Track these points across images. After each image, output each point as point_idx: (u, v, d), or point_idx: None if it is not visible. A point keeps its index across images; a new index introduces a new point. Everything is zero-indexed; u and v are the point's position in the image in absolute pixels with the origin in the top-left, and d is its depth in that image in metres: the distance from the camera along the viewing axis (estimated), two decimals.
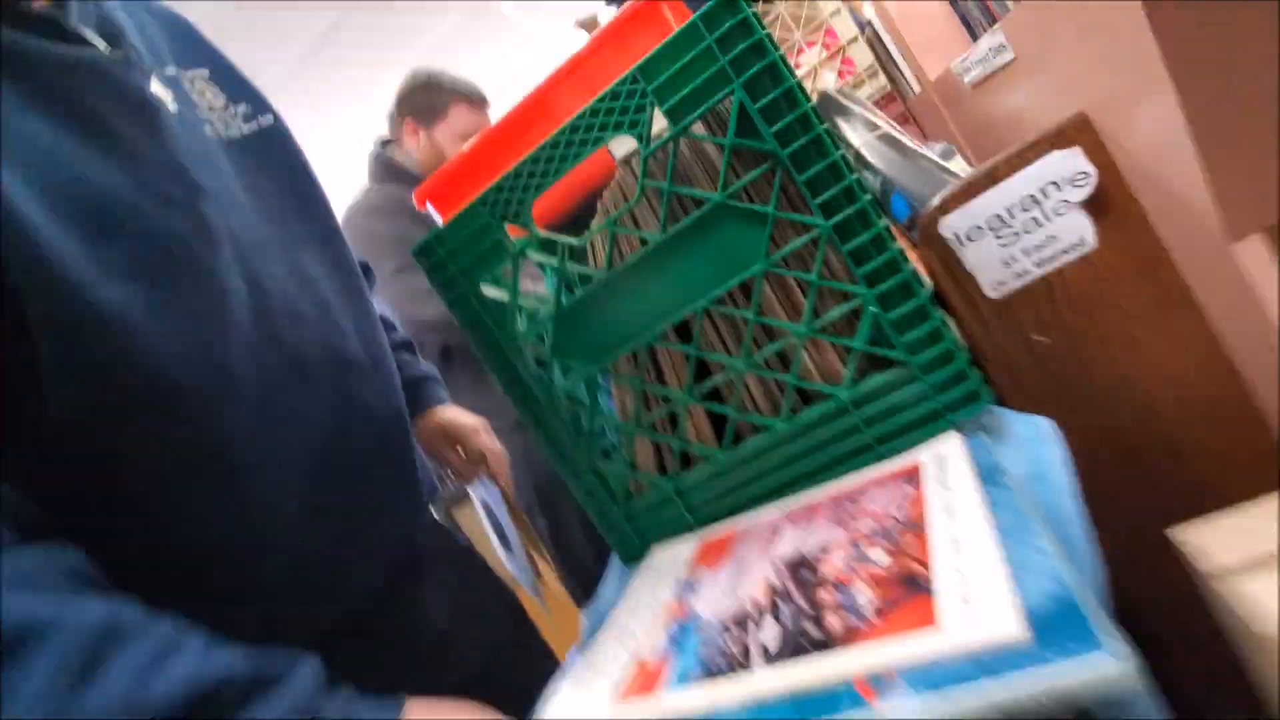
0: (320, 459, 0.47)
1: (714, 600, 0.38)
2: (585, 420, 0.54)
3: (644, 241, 0.49)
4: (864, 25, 1.05)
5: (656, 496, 0.54)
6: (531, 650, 0.67)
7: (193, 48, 0.53)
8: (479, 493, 0.70)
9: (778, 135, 0.43)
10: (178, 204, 0.43)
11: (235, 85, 0.54)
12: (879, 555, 0.33)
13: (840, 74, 1.01)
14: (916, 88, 0.99)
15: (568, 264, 0.50)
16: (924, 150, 0.71)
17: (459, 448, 0.72)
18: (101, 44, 0.45)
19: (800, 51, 1.02)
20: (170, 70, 0.49)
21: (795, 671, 0.28)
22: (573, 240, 0.49)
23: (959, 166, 0.80)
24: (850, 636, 0.28)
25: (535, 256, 0.51)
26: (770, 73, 0.43)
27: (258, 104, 0.55)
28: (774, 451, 0.49)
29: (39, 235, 0.36)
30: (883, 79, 1.04)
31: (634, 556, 0.56)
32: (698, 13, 0.42)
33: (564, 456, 0.55)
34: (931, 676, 0.24)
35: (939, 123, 0.97)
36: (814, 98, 0.83)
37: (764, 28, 0.42)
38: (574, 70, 0.65)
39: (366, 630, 0.50)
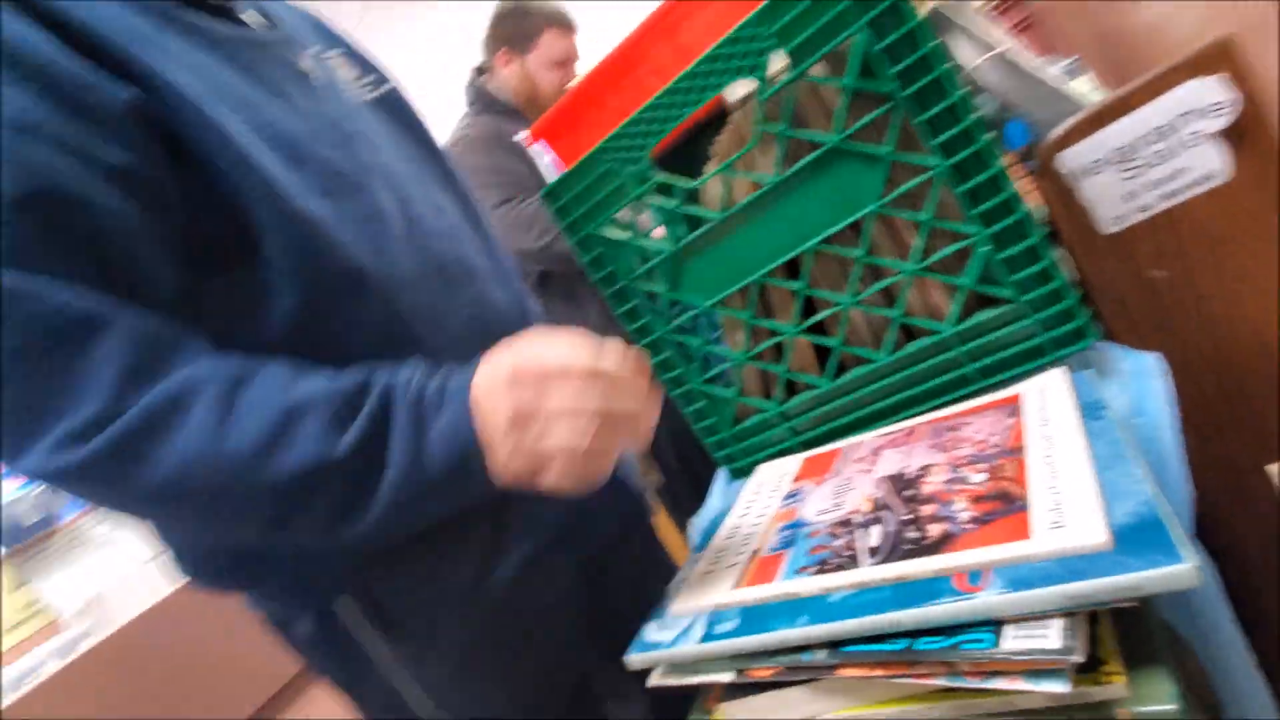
0: (468, 349, 0.55)
1: (820, 508, 0.44)
2: (696, 350, 0.59)
3: (757, 184, 0.52)
4: None
5: (762, 419, 0.59)
6: (653, 538, 0.77)
7: (325, 34, 0.65)
8: None
9: (899, 76, 0.44)
10: (337, 146, 0.53)
11: (361, 62, 0.66)
12: (977, 477, 0.37)
13: None
14: None
15: (683, 205, 0.54)
16: (1045, 71, 0.68)
17: None
18: (263, 26, 0.55)
19: None
20: (313, 49, 0.59)
21: (898, 567, 0.33)
22: (690, 183, 0.53)
23: (1084, 86, 0.76)
24: (949, 543, 0.33)
25: (653, 199, 0.55)
26: (894, 12, 0.43)
27: (380, 75, 0.66)
28: (875, 381, 0.53)
29: (259, 162, 0.46)
30: None
31: (740, 472, 0.62)
32: None
33: (676, 382, 0.61)
34: (1022, 575, 0.29)
35: (1064, 32, 0.90)
36: (925, 10, 0.79)
37: None
38: (679, 3, 0.65)
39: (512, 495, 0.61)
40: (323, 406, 0.42)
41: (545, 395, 0.39)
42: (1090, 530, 0.28)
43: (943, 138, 0.45)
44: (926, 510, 0.36)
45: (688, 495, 1.20)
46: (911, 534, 0.35)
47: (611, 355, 0.40)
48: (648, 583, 0.65)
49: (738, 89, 0.55)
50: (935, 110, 0.44)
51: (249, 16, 0.54)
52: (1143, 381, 0.45)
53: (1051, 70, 0.73)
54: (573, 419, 0.39)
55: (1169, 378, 0.44)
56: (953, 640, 0.29)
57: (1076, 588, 0.27)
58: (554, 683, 0.61)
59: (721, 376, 0.62)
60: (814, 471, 0.50)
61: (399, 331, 0.52)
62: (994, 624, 0.29)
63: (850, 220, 0.49)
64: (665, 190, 0.55)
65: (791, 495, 0.48)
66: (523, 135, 1.45)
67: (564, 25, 1.48)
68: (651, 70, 0.68)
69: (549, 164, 1.49)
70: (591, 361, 0.39)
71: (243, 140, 0.45)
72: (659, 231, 0.59)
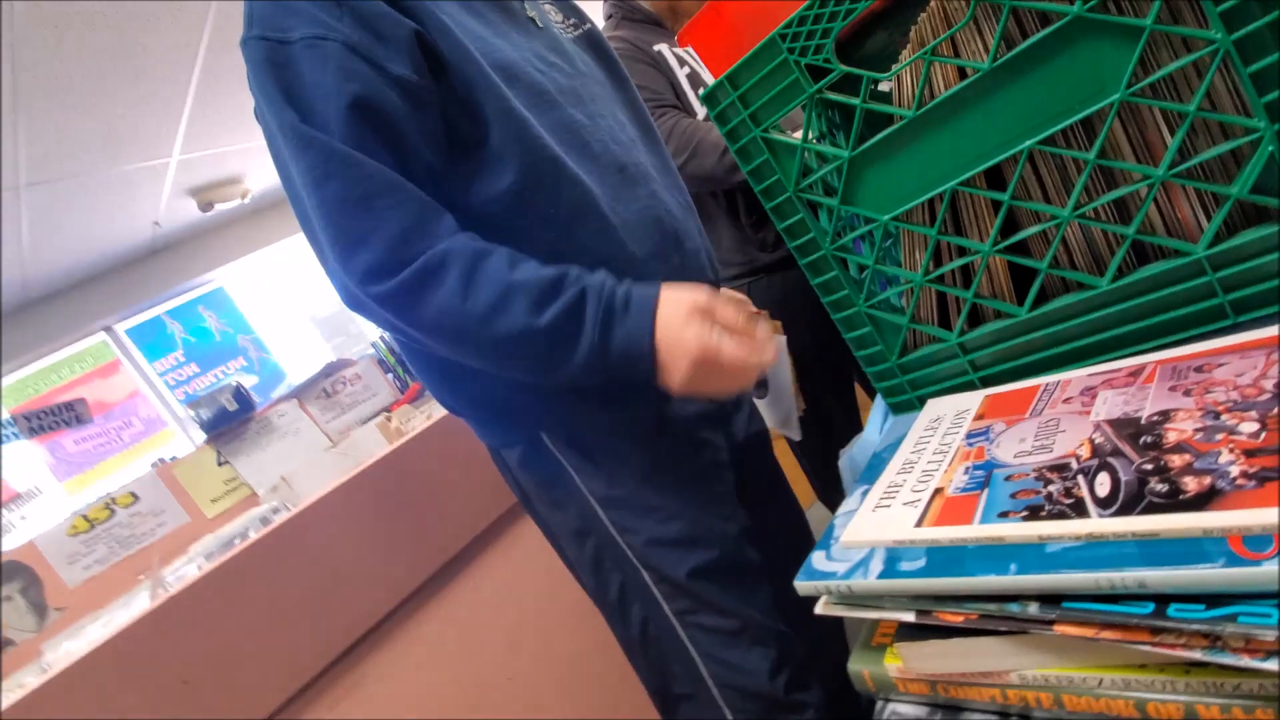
0: (642, 233, 0.69)
1: (1019, 450, 0.39)
2: (867, 270, 0.54)
3: (964, 74, 0.44)
4: None
5: (934, 350, 0.53)
6: (777, 467, 0.85)
7: None
8: None
9: None
10: (541, 71, 0.68)
11: (567, 8, 0.82)
12: (1248, 426, 0.31)
13: None
14: None
15: (868, 103, 0.47)
16: None
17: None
18: None
19: None
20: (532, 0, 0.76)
21: (1149, 521, 0.28)
22: (879, 75, 0.46)
23: None
24: (1218, 500, 0.27)
25: (833, 96, 0.49)
26: None
27: (581, 17, 0.82)
28: (1089, 312, 0.46)
29: (489, 76, 0.61)
30: None
31: (903, 406, 0.57)
32: None
33: (839, 305, 0.56)
34: None
35: None
36: None
37: None
38: None
39: None
40: (532, 289, 0.57)
41: (715, 379, 0.57)
42: None
43: (1230, 2, 0.35)
44: (1177, 460, 0.31)
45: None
46: (1159, 486, 0.30)
47: (764, 352, 0.58)
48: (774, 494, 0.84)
49: None
50: None
51: None
52: None
53: None
54: (727, 391, 0.59)
55: None
56: (1225, 611, 0.25)
57: None
58: (720, 524, 0.71)
59: (887, 301, 0.56)
60: (1003, 410, 0.45)
61: (589, 209, 0.65)
62: (1277, 596, 0.24)
63: (1085, 113, 0.41)
64: (844, 87, 0.49)
65: (977, 434, 0.43)
66: (660, 48, 1.38)
67: None
68: None
69: (687, 76, 1.42)
70: (756, 363, 0.58)
71: (484, 61, 0.61)
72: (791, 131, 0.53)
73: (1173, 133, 0.40)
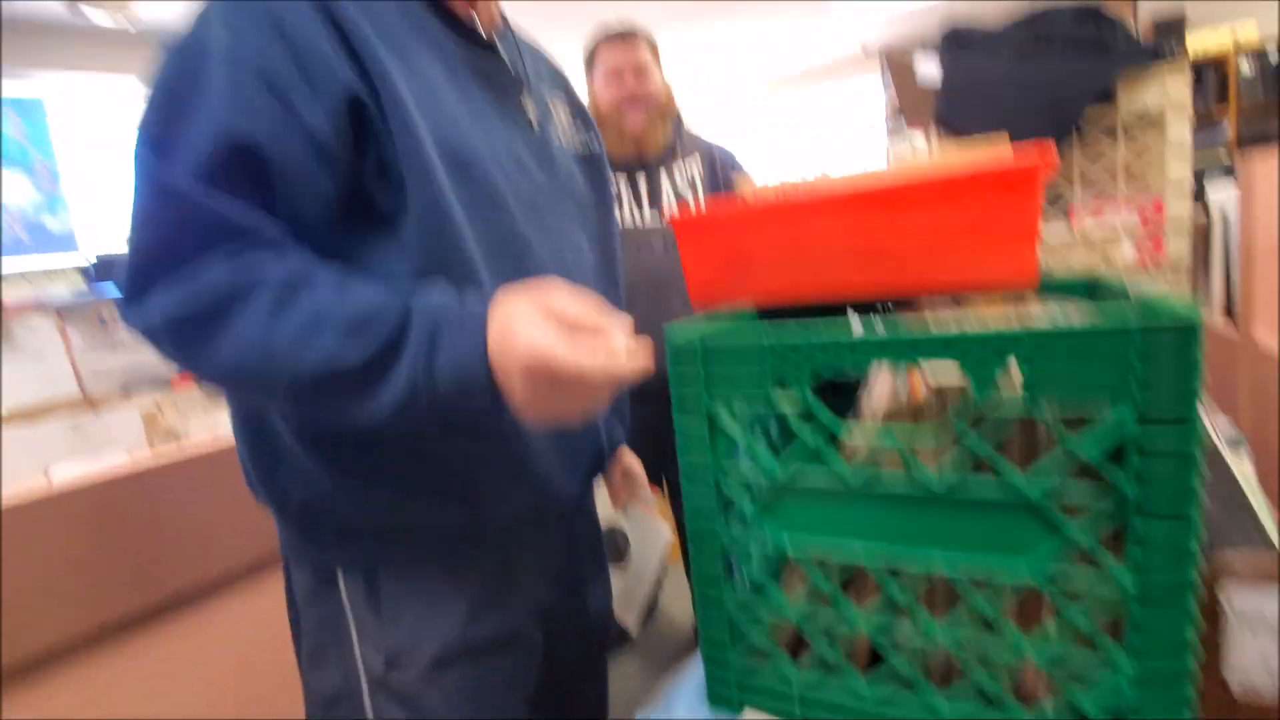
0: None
1: None
2: (750, 574, 0.52)
3: (909, 465, 0.44)
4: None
5: (773, 669, 0.52)
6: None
7: (560, 82, 0.76)
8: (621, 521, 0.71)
9: (1139, 476, 0.37)
10: (506, 172, 0.60)
11: (586, 129, 0.77)
12: None
13: (1141, 259, 0.87)
14: None
15: (816, 438, 0.46)
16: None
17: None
18: (505, 57, 0.66)
19: (1099, 212, 0.87)
20: (543, 90, 0.71)
21: None
22: (839, 425, 0.45)
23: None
24: None
25: (788, 409, 0.47)
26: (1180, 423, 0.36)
27: (594, 136, 0.77)
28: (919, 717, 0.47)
29: (430, 162, 0.53)
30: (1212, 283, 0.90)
31: (722, 701, 0.55)
32: None
33: (710, 579, 0.53)
34: None
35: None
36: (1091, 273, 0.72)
37: None
38: (891, 191, 0.56)
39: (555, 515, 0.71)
40: (347, 320, 0.47)
41: (556, 394, 0.46)
42: None
43: (1137, 557, 0.38)
44: None
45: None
46: None
47: (618, 359, 0.45)
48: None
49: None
50: (1155, 525, 0.37)
51: (502, 48, 0.65)
52: None
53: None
54: (577, 411, 0.48)
55: None
56: None
57: None
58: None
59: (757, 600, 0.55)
60: None
61: (527, 251, 0.61)
62: None
63: (1001, 575, 0.42)
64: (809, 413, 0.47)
65: None
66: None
67: (613, 36, 1.39)
68: (826, 228, 0.59)
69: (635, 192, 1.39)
70: (602, 371, 0.45)
71: (425, 140, 0.53)
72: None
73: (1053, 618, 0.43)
